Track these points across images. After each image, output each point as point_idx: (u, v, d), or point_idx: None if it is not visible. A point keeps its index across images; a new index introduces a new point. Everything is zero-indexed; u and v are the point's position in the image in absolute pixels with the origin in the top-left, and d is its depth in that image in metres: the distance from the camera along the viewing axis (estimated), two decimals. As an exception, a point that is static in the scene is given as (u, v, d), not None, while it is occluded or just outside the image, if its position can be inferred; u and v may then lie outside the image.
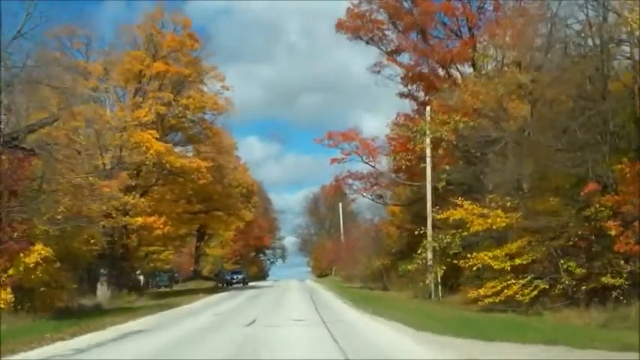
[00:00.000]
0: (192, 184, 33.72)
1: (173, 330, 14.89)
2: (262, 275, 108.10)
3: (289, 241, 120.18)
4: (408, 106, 31.42)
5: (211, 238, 66.49)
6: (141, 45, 31.49)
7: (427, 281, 26.69)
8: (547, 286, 17.99)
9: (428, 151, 26.53)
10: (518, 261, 18.21)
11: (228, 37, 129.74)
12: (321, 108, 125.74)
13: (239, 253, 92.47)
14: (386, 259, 41.64)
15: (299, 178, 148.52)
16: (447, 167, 25.26)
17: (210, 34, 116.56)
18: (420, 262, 26.24)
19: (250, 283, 57.23)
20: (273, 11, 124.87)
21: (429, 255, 26.76)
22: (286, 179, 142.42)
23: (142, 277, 58.40)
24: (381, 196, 33.00)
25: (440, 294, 26.41)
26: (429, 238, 26.87)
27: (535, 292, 17.87)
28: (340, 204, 69.38)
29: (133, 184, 32.94)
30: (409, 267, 28.00)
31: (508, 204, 18.96)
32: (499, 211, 18.75)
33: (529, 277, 18.26)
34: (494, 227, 18.61)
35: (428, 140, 26.36)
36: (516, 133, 21.78)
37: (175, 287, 55.15)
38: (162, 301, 30.77)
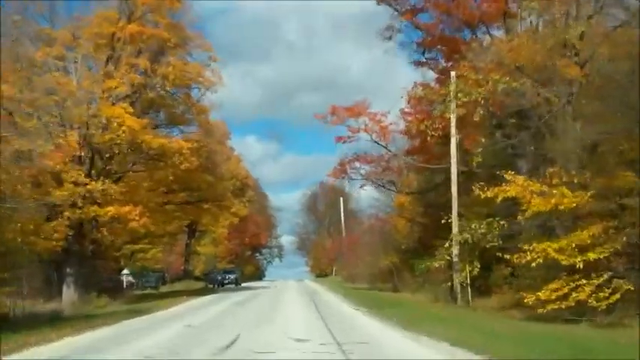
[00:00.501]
0: (174, 170, 28.97)
1: (114, 352, 10.28)
2: (259, 275, 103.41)
3: (287, 240, 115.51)
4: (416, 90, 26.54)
5: (203, 236, 61.75)
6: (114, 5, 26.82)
7: (455, 282, 22.11)
8: (631, 288, 13.45)
9: (453, 120, 21.90)
10: (592, 255, 13.62)
11: (226, 36, 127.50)
12: (320, 107, 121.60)
13: (234, 251, 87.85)
14: (394, 256, 37.04)
15: (297, 178, 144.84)
16: (483, 140, 20.53)
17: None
18: (448, 257, 21.61)
19: (245, 284, 52.62)
20: (271, 10, 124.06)
21: (455, 250, 22.17)
22: (284, 179, 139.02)
23: (129, 278, 53.95)
24: (393, 183, 28.30)
25: (469, 297, 21.81)
26: (455, 229, 22.26)
27: (616, 296, 13.32)
28: (341, 198, 64.76)
29: (104, 167, 28.34)
30: (429, 264, 23.36)
31: (575, 180, 14.34)
32: (564, 189, 14.15)
33: (606, 276, 13.71)
34: (560, 208, 13.98)
35: (453, 106, 21.75)
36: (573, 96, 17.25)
37: (163, 289, 50.43)
38: (139, 305, 26.14)
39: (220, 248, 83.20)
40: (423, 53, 26.97)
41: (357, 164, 27.27)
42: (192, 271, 68.10)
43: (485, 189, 15.80)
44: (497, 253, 21.15)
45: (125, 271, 56.08)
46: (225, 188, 38.50)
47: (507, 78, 17.93)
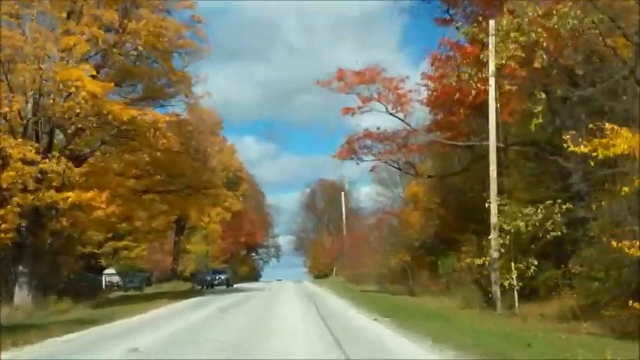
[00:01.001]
0: (151, 151, 24.36)
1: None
2: (255, 276, 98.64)
3: (285, 241, 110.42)
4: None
5: (193, 232, 57.04)
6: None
7: (493, 283, 17.49)
8: None
9: (492, 82, 17.35)
10: None
11: (225, 37, 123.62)
12: (318, 109, 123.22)
13: (228, 251, 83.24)
14: (405, 254, 32.45)
15: (295, 179, 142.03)
16: (542, 96, 15.81)
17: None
18: (497, 251, 16.95)
19: (238, 285, 47.98)
20: (270, 11, 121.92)
21: (494, 243, 17.55)
22: (282, 180, 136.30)
23: (113, 278, 49.31)
24: (411, 165, 23.46)
25: (516, 303, 17.15)
26: (494, 218, 17.65)
27: None
28: (342, 193, 60.12)
29: (66, 145, 23.71)
30: (467, 261, 18.72)
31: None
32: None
33: None
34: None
35: (491, 66, 17.21)
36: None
37: (148, 290, 45.70)
38: (103, 310, 21.49)
39: (213, 247, 78.98)
40: (447, 11, 22.40)
41: (369, 141, 22.61)
42: (184, 271, 63.49)
43: (580, 141, 10.95)
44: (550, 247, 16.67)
45: (109, 271, 51.47)
46: (213, 176, 33.76)
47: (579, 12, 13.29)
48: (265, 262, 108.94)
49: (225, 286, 42.24)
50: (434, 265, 28.20)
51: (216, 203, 39.29)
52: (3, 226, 20.76)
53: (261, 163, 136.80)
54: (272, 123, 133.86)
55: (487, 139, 18.57)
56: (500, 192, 18.44)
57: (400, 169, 22.79)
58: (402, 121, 20.53)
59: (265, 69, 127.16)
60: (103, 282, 44.50)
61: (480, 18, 18.44)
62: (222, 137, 55.68)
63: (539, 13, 13.88)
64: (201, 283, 43.38)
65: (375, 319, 14.68)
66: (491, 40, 17.43)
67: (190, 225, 56.38)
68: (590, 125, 11.02)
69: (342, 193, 60.12)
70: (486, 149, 18.54)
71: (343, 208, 58.89)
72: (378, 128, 22.49)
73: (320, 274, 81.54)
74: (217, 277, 42.95)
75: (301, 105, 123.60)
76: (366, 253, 41.11)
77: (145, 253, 53.21)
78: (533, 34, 13.80)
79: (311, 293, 32.04)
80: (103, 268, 51.09)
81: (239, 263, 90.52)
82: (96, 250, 47.20)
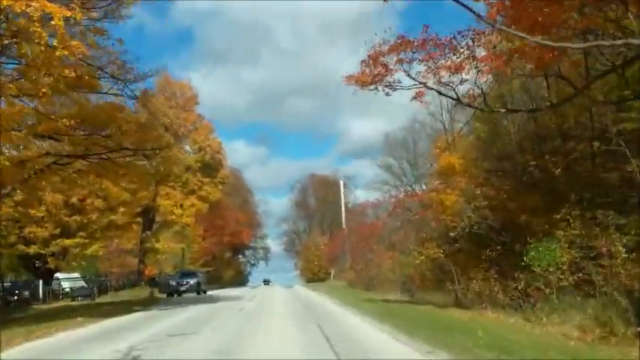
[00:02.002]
0: (50, 79, 14.81)
1: None
2: (242, 280, 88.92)
3: (275, 244, 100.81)
4: None
5: (163, 228, 47.28)
6: None
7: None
8: None
9: None
10: None
11: (214, 39, 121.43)
12: (309, 112, 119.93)
13: (210, 251, 73.75)
14: (434, 250, 23.10)
15: (286, 182, 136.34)
16: None
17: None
18: None
19: (216, 291, 38.45)
20: (260, 13, 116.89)
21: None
22: (273, 184, 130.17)
23: (63, 284, 39.58)
24: (476, 95, 13.65)
25: None
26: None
27: None
28: (341, 182, 50.71)
29: None
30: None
31: None
32: None
33: None
34: None
35: None
36: None
37: (105, 298, 36.06)
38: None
39: (192, 247, 69.70)
40: None
41: (403, 55, 13.09)
42: (155, 274, 53.83)
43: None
44: None
45: (60, 275, 41.68)
46: (163, 134, 24.00)
47: None
48: (253, 265, 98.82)
49: (195, 293, 32.66)
50: (492, 261, 18.79)
51: (171, 176, 29.52)
52: None
53: (251, 166, 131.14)
54: (262, 127, 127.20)
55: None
56: None
57: (458, 100, 13.32)
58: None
59: (255, 72, 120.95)
60: (42, 289, 34.63)
61: None
62: (197, 114, 46.18)
63: None
64: (166, 290, 33.64)
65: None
66: None
67: (161, 219, 46.71)
68: None
69: (341, 181, 50.43)
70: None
71: (342, 197, 49.54)
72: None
73: (313, 277, 71.86)
74: (185, 282, 33.13)
75: (292, 108, 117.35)
76: (378, 250, 31.73)
77: (103, 253, 43.41)
78: None
79: (309, 305, 22.41)
80: (54, 272, 41.19)
81: (223, 266, 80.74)
82: (41, 250, 37.33)
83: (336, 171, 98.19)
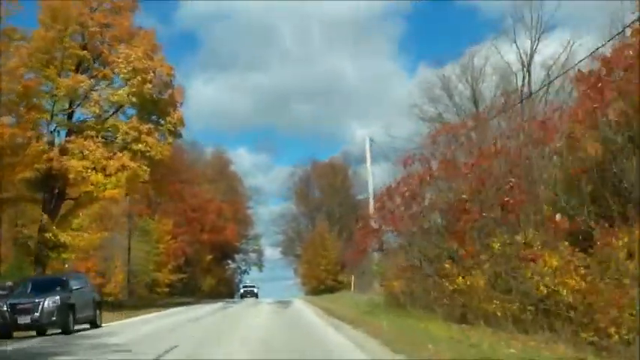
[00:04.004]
0: None
1: None
2: (230, 291, 70.54)
3: (271, 246, 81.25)
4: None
5: (78, 208, 29.03)
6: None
7: None
8: None
9: None
10: None
11: (218, 43, 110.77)
12: (314, 116, 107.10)
13: (183, 253, 55.93)
14: None
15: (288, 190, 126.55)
16: None
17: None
18: None
19: (128, 320, 20.78)
20: (265, 16, 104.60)
21: None
22: (276, 190, 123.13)
23: None
24: None
25: None
26: None
27: None
28: (367, 139, 32.38)
29: None
30: None
31: None
32: None
33: None
34: None
35: None
36: None
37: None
38: None
39: (159, 249, 52.42)
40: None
41: None
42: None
43: None
44: None
45: None
46: None
47: None
48: (244, 271, 79.77)
49: (60, 330, 14.23)
50: None
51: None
52: None
53: (254, 173, 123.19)
54: (266, 131, 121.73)
55: None
56: None
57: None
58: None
59: (259, 77, 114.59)
60: None
61: None
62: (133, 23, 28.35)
63: None
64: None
65: None
66: None
67: (75, 195, 28.60)
68: None
69: (367, 138, 31.95)
70: None
71: (369, 160, 31.22)
72: None
73: (318, 286, 53.66)
74: (30, 306, 13.75)
75: (295, 114, 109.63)
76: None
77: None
78: None
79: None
80: None
81: (201, 273, 62.53)
82: None
83: (342, 154, 79.84)
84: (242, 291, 59.36)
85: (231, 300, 43.81)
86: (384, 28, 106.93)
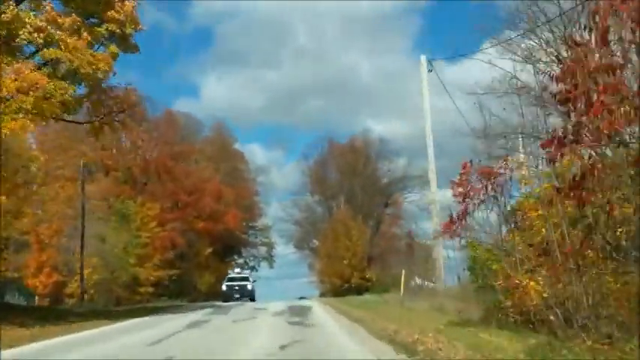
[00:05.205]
0: None
1: None
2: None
3: (281, 240, 69.59)
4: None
5: None
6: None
7: None
8: None
9: None
10: None
11: (232, 40, 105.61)
12: (328, 112, 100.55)
13: (174, 244, 45.73)
14: None
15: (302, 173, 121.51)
16: None
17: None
18: None
19: (61, 338, 10.60)
20: (278, 13, 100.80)
21: None
22: (290, 187, 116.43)
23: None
24: None
25: None
26: None
27: None
28: (423, 57, 20.95)
29: None
30: None
31: None
32: None
33: None
34: None
35: None
36: None
37: None
38: None
39: (142, 238, 43.16)
40: None
41: None
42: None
43: None
44: None
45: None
46: None
47: None
48: (252, 268, 68.15)
49: None
50: None
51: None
52: None
53: (268, 170, 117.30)
54: (279, 128, 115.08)
55: None
56: None
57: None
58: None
59: (272, 74, 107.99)
60: None
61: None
62: None
63: None
64: None
65: None
66: None
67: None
68: None
69: (423, 56, 20.31)
70: None
71: (425, 84, 19.80)
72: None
73: (342, 286, 42.52)
74: None
75: (309, 111, 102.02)
76: None
77: None
78: None
79: None
80: None
81: (198, 269, 51.70)
82: None
83: (363, 132, 68.25)
84: (224, 288, 39.52)
85: (220, 305, 30.79)
86: (399, 25, 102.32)
